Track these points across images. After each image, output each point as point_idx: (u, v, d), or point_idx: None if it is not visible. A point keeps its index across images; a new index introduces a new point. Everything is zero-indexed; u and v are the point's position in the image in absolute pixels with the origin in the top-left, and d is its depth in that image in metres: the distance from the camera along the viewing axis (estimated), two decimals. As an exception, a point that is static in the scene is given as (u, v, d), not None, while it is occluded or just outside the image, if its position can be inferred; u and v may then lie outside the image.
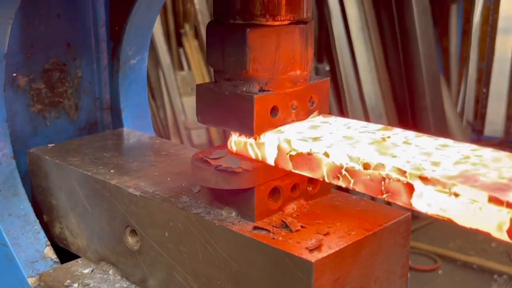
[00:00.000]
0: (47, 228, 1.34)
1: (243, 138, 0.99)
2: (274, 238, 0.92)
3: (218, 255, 0.97)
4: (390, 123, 4.79)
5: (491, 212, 0.71)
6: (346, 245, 0.90)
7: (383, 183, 0.82)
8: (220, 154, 1.00)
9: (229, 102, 0.97)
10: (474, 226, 0.74)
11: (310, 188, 1.05)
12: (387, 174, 0.81)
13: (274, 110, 0.97)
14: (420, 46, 4.62)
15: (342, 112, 4.60)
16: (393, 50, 4.78)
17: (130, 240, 1.14)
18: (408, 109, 4.82)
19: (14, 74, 1.41)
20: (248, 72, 0.95)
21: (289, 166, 0.93)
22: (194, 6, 4.51)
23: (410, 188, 0.79)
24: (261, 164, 0.96)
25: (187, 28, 4.61)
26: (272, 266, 0.90)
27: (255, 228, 0.94)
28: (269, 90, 0.96)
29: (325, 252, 0.88)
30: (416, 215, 4.71)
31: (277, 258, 0.89)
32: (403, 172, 0.79)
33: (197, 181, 1.00)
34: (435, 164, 0.80)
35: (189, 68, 4.62)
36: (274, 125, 0.97)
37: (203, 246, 0.99)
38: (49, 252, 1.27)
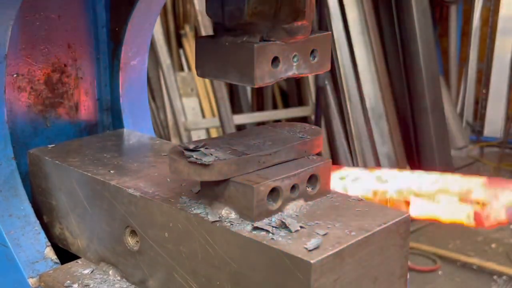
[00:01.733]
0: (47, 228, 1.34)
1: None
2: (273, 239, 0.92)
3: (217, 256, 0.97)
4: (390, 123, 4.79)
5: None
6: (345, 245, 0.90)
7: None
8: (197, 145, 1.00)
9: (229, 52, 0.95)
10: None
11: (309, 189, 1.05)
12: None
13: (275, 61, 0.95)
14: (420, 46, 4.62)
15: (342, 112, 4.60)
16: (393, 50, 4.78)
17: (130, 241, 1.14)
18: (408, 110, 4.82)
19: (15, 75, 1.41)
20: (248, 22, 0.93)
21: None
22: (194, 7, 4.51)
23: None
24: (235, 157, 0.96)
25: (187, 29, 4.62)
26: (271, 267, 0.90)
27: (255, 228, 0.95)
28: (270, 40, 0.95)
29: (324, 252, 0.88)
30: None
31: (276, 259, 0.89)
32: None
33: (171, 172, 1.00)
34: None
35: (189, 69, 4.62)
36: (275, 76, 0.95)
37: (202, 247, 0.99)
38: (50, 252, 1.27)
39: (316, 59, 1.01)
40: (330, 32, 1.04)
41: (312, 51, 1.01)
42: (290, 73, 0.98)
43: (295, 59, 0.98)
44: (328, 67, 1.04)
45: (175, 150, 1.00)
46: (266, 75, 0.94)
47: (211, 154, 0.96)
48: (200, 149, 0.98)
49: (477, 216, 0.85)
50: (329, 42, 1.03)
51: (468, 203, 0.87)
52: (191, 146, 0.99)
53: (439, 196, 0.90)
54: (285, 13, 0.95)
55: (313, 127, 1.13)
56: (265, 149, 1.02)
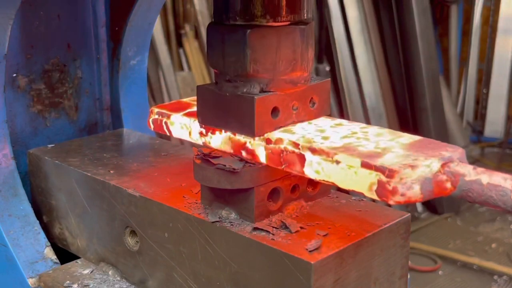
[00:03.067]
0: (47, 228, 1.34)
1: (159, 116, 1.15)
2: (273, 239, 0.92)
3: (217, 256, 0.97)
4: (390, 123, 4.79)
5: (364, 175, 0.84)
6: (346, 246, 0.90)
7: (281, 155, 0.93)
8: (220, 152, 1.00)
9: (230, 103, 0.97)
10: (351, 188, 0.86)
11: (310, 189, 1.05)
12: (284, 147, 0.93)
13: (275, 111, 0.97)
14: (420, 46, 4.61)
15: (342, 112, 4.60)
16: (393, 50, 4.78)
17: (130, 241, 1.14)
18: (408, 110, 4.82)
19: (14, 75, 1.41)
20: (248, 73, 0.95)
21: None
22: (194, 6, 4.51)
23: (301, 158, 0.91)
24: (261, 165, 0.96)
25: (187, 28, 4.61)
26: (272, 267, 0.90)
27: (255, 229, 0.94)
28: (270, 91, 0.96)
29: (324, 253, 0.88)
30: (416, 216, 4.72)
31: (277, 259, 0.89)
32: (297, 145, 0.92)
33: (198, 180, 1.00)
34: (325, 138, 0.94)
35: (189, 68, 4.61)
36: (275, 126, 0.97)
37: (202, 247, 0.99)
38: (49, 252, 1.27)
39: (315, 106, 1.02)
40: (329, 79, 1.05)
41: (311, 99, 1.02)
42: (289, 121, 0.99)
43: (294, 108, 0.99)
44: (328, 112, 1.05)
45: (200, 157, 0.99)
46: (266, 126, 0.96)
47: (239, 162, 0.96)
48: (224, 156, 0.98)
49: (381, 188, 0.82)
50: (329, 89, 1.05)
51: (373, 170, 0.83)
52: (207, 152, 0.99)
53: (341, 155, 0.86)
54: (285, 66, 0.96)
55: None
56: None
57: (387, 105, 4.78)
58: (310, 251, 0.88)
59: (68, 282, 1.17)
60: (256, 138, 0.97)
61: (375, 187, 0.83)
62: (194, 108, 1.14)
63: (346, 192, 1.00)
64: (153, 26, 1.58)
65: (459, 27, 6.20)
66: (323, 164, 0.88)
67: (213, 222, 0.97)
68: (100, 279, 1.18)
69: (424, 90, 4.67)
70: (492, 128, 6.02)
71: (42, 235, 1.28)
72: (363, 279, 0.94)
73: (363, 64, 4.66)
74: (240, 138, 0.99)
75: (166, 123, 1.15)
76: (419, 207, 4.80)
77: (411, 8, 4.60)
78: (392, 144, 0.91)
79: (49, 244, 1.28)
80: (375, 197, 0.84)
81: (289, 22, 0.96)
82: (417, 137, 0.94)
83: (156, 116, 1.17)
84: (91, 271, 1.21)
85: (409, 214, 1.02)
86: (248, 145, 0.98)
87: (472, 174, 0.81)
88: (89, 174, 1.21)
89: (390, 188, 0.82)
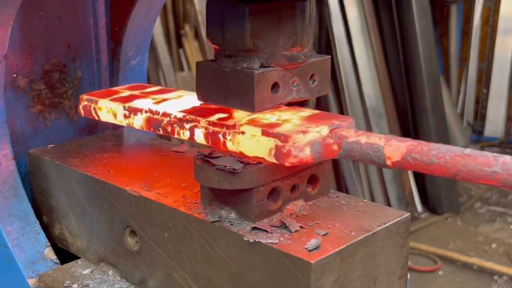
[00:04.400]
0: (47, 228, 1.34)
1: (88, 103, 1.25)
2: (273, 239, 0.92)
3: (217, 256, 0.97)
4: (390, 123, 4.79)
5: (264, 142, 0.94)
6: (345, 245, 0.90)
7: (205, 133, 1.05)
8: (220, 153, 1.00)
9: (230, 78, 0.97)
10: (256, 154, 0.96)
11: (309, 189, 1.05)
12: (205, 126, 1.05)
13: (275, 87, 0.97)
14: (420, 46, 4.61)
15: (342, 112, 4.60)
16: (393, 50, 4.78)
17: (130, 241, 1.14)
18: (408, 110, 4.81)
19: (14, 75, 1.41)
20: (248, 48, 0.94)
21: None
22: (194, 7, 4.51)
23: (216, 135, 1.02)
24: (262, 165, 0.96)
25: (187, 29, 4.61)
26: (271, 267, 0.90)
27: (254, 228, 0.95)
28: (270, 66, 0.96)
29: (324, 252, 0.88)
30: (416, 216, 4.71)
31: (276, 259, 0.89)
32: (214, 124, 1.04)
33: (199, 181, 1.00)
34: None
35: (189, 69, 4.61)
36: (274, 101, 0.97)
37: (202, 247, 0.99)
38: (49, 253, 1.27)
39: (315, 83, 1.02)
40: (329, 56, 1.06)
41: (312, 75, 1.02)
42: (290, 98, 0.99)
43: (294, 84, 0.99)
44: (327, 90, 1.06)
45: (200, 158, 1.00)
46: (266, 101, 0.96)
47: (239, 161, 0.96)
48: (224, 156, 0.98)
49: (278, 152, 0.92)
50: (329, 66, 1.05)
51: (271, 136, 0.93)
52: (207, 153, 0.99)
53: (245, 126, 0.97)
54: (285, 41, 0.96)
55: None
56: None
57: (387, 105, 4.78)
58: (309, 250, 0.88)
59: (68, 282, 1.17)
60: (175, 120, 1.09)
61: (273, 152, 0.93)
62: (121, 95, 1.27)
63: (346, 192, 1.00)
64: (153, 26, 1.58)
65: (459, 27, 6.20)
66: (233, 136, 0.99)
67: (212, 222, 0.97)
68: (100, 279, 1.18)
69: (424, 90, 4.66)
70: (492, 128, 6.02)
71: (42, 235, 1.28)
72: (363, 278, 0.94)
73: (363, 64, 4.66)
74: (158, 117, 1.13)
75: (94, 108, 1.26)
76: (419, 207, 4.80)
77: (411, 8, 4.60)
78: (292, 117, 1.00)
79: (49, 244, 1.28)
80: (274, 160, 0.94)
81: None
82: (317, 111, 1.04)
83: (86, 103, 1.27)
84: (91, 271, 1.21)
85: (409, 214, 1.02)
86: (164, 123, 1.10)
87: (353, 136, 0.93)
88: (89, 174, 1.21)
89: (285, 151, 0.92)
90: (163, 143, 1.40)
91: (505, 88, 5.92)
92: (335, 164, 4.40)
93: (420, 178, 4.83)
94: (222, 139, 1.02)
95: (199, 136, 1.06)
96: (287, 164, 0.92)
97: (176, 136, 1.11)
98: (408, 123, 4.84)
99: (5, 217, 1.26)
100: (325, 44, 4.53)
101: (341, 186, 4.45)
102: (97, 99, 1.25)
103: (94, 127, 1.57)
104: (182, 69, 4.64)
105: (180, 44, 4.67)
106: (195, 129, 1.06)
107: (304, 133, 0.93)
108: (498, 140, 5.96)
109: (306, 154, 0.92)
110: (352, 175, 4.48)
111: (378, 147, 0.89)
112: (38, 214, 1.33)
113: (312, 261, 0.85)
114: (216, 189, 0.99)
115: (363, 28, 4.66)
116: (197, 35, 4.62)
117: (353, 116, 4.60)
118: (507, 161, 0.78)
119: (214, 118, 1.04)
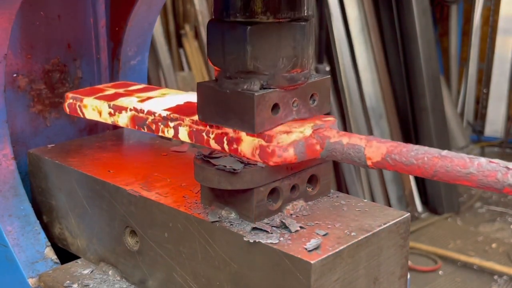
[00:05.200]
0: (47, 228, 1.34)
1: (73, 101, 1.28)
2: (273, 239, 0.92)
3: (217, 256, 0.97)
4: (390, 123, 4.79)
5: (248, 141, 0.98)
6: (345, 246, 0.90)
7: (189, 131, 1.09)
8: (220, 153, 1.00)
9: (230, 100, 0.97)
10: (239, 153, 0.99)
11: (309, 189, 1.05)
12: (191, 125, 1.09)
13: (275, 108, 0.97)
14: (420, 46, 4.62)
15: (342, 112, 4.60)
16: (393, 50, 4.78)
17: (130, 241, 1.14)
18: (408, 109, 4.82)
19: (15, 75, 1.41)
20: (249, 70, 0.95)
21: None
22: (194, 6, 4.51)
23: (200, 133, 1.07)
24: (262, 165, 0.97)
25: (187, 28, 4.61)
26: (271, 267, 0.90)
27: (254, 229, 0.95)
28: (270, 88, 0.96)
29: (324, 253, 0.88)
30: (416, 216, 4.71)
31: (276, 259, 0.89)
32: (198, 123, 1.08)
33: (199, 181, 1.00)
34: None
35: (189, 68, 4.61)
36: (275, 123, 0.97)
37: (202, 247, 0.99)
38: (50, 252, 1.27)
39: (315, 103, 1.03)
40: (329, 76, 1.06)
41: (312, 95, 1.02)
42: (290, 118, 1.00)
43: (294, 105, 1.00)
44: (328, 109, 1.06)
45: (200, 158, 1.00)
46: (266, 122, 0.96)
47: (239, 161, 0.96)
48: (224, 157, 0.98)
49: (262, 151, 0.95)
50: (329, 85, 1.06)
51: (255, 136, 0.96)
52: (215, 155, 1.00)
53: None
54: (285, 63, 0.97)
55: None
56: None
57: (387, 105, 4.78)
58: (309, 250, 0.88)
59: (68, 282, 1.17)
60: (159, 118, 1.13)
61: (257, 151, 0.96)
62: (106, 93, 1.29)
63: (346, 192, 1.00)
64: (153, 26, 1.58)
65: (459, 27, 6.20)
66: (216, 135, 1.03)
67: (213, 222, 0.97)
68: (100, 279, 1.18)
69: (424, 90, 4.67)
70: (492, 128, 6.02)
71: (42, 235, 1.29)
72: (363, 278, 0.94)
73: (363, 64, 4.66)
74: (143, 115, 1.16)
75: (79, 106, 1.28)
76: (419, 207, 4.80)
77: (411, 8, 4.60)
78: None
79: (49, 244, 1.28)
80: (258, 159, 0.96)
81: (289, 19, 0.96)
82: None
83: (71, 101, 1.30)
84: (91, 271, 1.21)
85: (409, 214, 1.02)
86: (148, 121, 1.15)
87: (335, 136, 0.95)
88: (89, 174, 1.21)
89: (269, 151, 0.95)
90: (163, 143, 1.40)
91: (505, 88, 5.92)
92: (335, 164, 4.41)
93: (420, 178, 4.83)
94: (205, 137, 1.05)
95: (183, 134, 1.09)
96: (271, 163, 0.95)
97: (160, 134, 1.15)
98: (408, 123, 4.84)
99: (5, 217, 1.26)
100: (325, 44, 4.53)
101: (341, 186, 4.45)
102: (82, 97, 1.28)
103: (94, 127, 1.57)
104: (182, 69, 4.64)
105: (180, 44, 4.67)
106: (179, 127, 1.10)
107: (287, 133, 0.95)
108: (498, 140, 5.96)
109: (290, 154, 0.95)
110: (352, 175, 4.48)
111: (359, 147, 0.91)
112: (38, 214, 1.33)
113: (312, 261, 0.85)
114: (216, 189, 0.99)
115: (363, 28, 4.66)
116: (197, 35, 4.62)
117: (353, 116, 4.60)
118: (482, 163, 0.81)
119: (197, 116, 1.06)
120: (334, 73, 4.58)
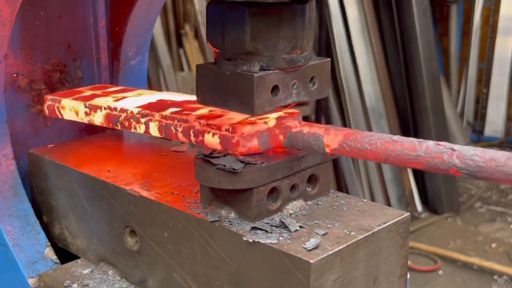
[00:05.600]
0: (47, 228, 1.34)
1: (52, 102, 1.31)
2: (272, 239, 0.92)
3: (217, 256, 0.97)
4: (390, 123, 4.79)
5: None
6: (345, 245, 0.90)
7: (164, 126, 1.13)
8: (220, 153, 1.00)
9: (229, 81, 0.96)
10: (206, 144, 1.04)
11: (309, 189, 1.05)
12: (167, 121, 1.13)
13: (274, 90, 0.97)
14: (420, 46, 4.62)
15: (342, 112, 4.61)
16: (393, 50, 4.78)
17: (130, 241, 1.14)
18: (408, 109, 4.82)
19: (15, 75, 1.41)
20: (248, 51, 0.94)
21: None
22: (194, 6, 4.51)
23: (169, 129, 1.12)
24: (262, 165, 0.97)
25: (187, 28, 4.62)
26: (271, 267, 0.90)
27: (254, 228, 0.95)
28: (269, 69, 0.96)
29: (323, 252, 0.88)
30: (416, 216, 4.71)
31: (276, 259, 0.89)
32: (172, 118, 1.12)
33: (199, 180, 1.00)
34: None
35: (189, 68, 4.62)
36: (274, 104, 0.97)
37: (202, 247, 0.99)
38: (50, 252, 1.28)
39: (315, 86, 1.02)
40: (329, 59, 1.06)
41: (312, 78, 1.02)
42: (289, 101, 0.99)
43: (294, 87, 0.99)
44: (327, 93, 1.06)
45: (200, 157, 1.00)
46: (265, 104, 0.96)
47: (239, 161, 0.96)
48: (224, 156, 0.99)
49: (227, 142, 0.98)
50: (328, 68, 1.05)
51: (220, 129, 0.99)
52: (207, 152, 1.00)
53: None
54: (284, 44, 0.96)
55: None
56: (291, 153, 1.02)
57: (387, 105, 4.78)
58: (309, 250, 0.88)
59: (68, 282, 1.17)
60: (131, 115, 1.17)
61: (223, 142, 1.00)
62: (83, 94, 1.34)
63: (346, 192, 1.01)
64: (153, 26, 1.58)
65: (459, 27, 6.20)
66: (184, 128, 1.08)
67: (212, 221, 0.97)
68: (100, 279, 1.18)
69: (424, 90, 4.67)
70: (492, 127, 6.02)
71: (42, 235, 1.29)
72: (362, 278, 0.94)
73: (363, 63, 4.66)
74: (116, 113, 1.20)
75: (58, 107, 1.32)
76: (419, 207, 4.80)
77: (411, 8, 4.60)
78: None
79: (49, 244, 1.29)
80: (224, 150, 1.00)
81: (289, 0, 0.94)
82: None
83: (50, 102, 1.33)
84: (91, 271, 1.21)
85: (409, 213, 1.02)
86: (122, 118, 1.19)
87: (297, 126, 0.99)
88: (89, 174, 1.21)
89: (234, 141, 0.99)
90: (163, 143, 1.40)
91: (505, 88, 5.92)
92: (335, 164, 4.41)
93: (420, 178, 4.83)
94: (174, 131, 1.10)
95: (154, 129, 1.14)
96: (237, 153, 0.99)
97: (132, 130, 1.19)
98: (408, 123, 4.84)
99: (5, 217, 1.26)
100: (325, 44, 4.53)
101: (341, 186, 4.45)
102: (60, 98, 1.32)
103: (94, 127, 1.57)
104: (182, 69, 4.65)
105: (180, 44, 4.67)
106: (150, 122, 1.14)
107: (252, 124, 1.00)
108: (498, 140, 5.97)
109: (254, 144, 0.99)
110: (352, 175, 4.48)
111: (318, 136, 0.95)
112: (38, 214, 1.33)
113: (311, 261, 0.85)
114: (216, 189, 0.99)
115: (363, 28, 4.66)
116: (197, 35, 4.62)
117: (353, 116, 4.60)
118: (430, 146, 0.84)
119: (167, 112, 1.13)
120: (334, 73, 4.58)
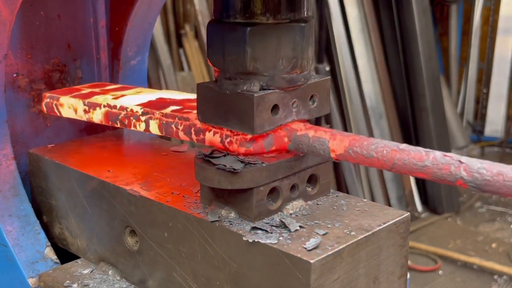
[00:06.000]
0: (47, 228, 1.34)
1: (50, 100, 1.31)
2: (272, 239, 0.92)
3: (217, 256, 0.97)
4: (390, 123, 4.79)
5: (211, 136, 1.04)
6: (345, 245, 0.90)
7: (163, 124, 1.13)
8: (220, 153, 1.00)
9: (230, 101, 0.97)
10: (208, 143, 1.04)
11: (309, 189, 1.05)
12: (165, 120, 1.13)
13: (274, 109, 0.97)
14: (420, 46, 4.62)
15: (342, 112, 4.60)
16: (393, 50, 4.78)
17: (130, 241, 1.14)
18: (408, 109, 4.82)
19: (15, 75, 1.41)
20: (248, 71, 0.95)
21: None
22: (194, 6, 4.51)
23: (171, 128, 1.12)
24: (262, 165, 0.97)
25: (187, 28, 4.61)
26: (271, 267, 0.90)
27: (254, 228, 0.95)
28: (269, 89, 0.97)
29: (323, 252, 0.88)
30: (416, 216, 4.71)
31: (276, 259, 0.89)
32: (173, 117, 1.13)
33: (200, 180, 1.00)
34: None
35: (189, 68, 4.62)
36: (275, 123, 0.97)
37: (202, 247, 0.99)
38: (50, 252, 1.28)
39: (315, 104, 1.03)
40: (329, 77, 1.07)
41: (311, 96, 1.02)
42: (289, 119, 1.00)
43: (294, 106, 1.00)
44: (328, 110, 1.07)
45: (200, 157, 1.00)
46: (266, 123, 0.96)
47: (240, 161, 0.96)
48: (225, 156, 0.99)
49: (227, 139, 1.00)
50: (328, 86, 1.06)
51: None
52: (208, 152, 1.00)
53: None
54: (285, 64, 0.97)
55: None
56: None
57: (387, 105, 4.78)
58: (309, 250, 0.88)
59: (68, 282, 1.17)
60: (131, 113, 1.17)
61: (226, 142, 1.00)
62: (82, 92, 1.34)
63: (346, 192, 1.01)
64: (153, 26, 1.58)
65: (459, 27, 6.20)
66: (185, 126, 1.09)
67: (212, 221, 0.97)
68: (100, 279, 1.18)
69: (424, 90, 4.67)
70: (492, 127, 6.02)
71: (42, 235, 1.29)
72: (362, 278, 0.95)
73: (363, 64, 4.66)
74: (115, 110, 1.20)
75: (56, 105, 1.32)
76: (419, 207, 4.80)
77: (411, 8, 4.60)
78: None
79: (49, 244, 1.29)
80: (227, 149, 1.01)
81: (289, 20, 0.96)
82: None
83: (48, 100, 1.33)
84: (91, 271, 1.21)
85: (408, 213, 1.02)
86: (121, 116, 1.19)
87: (303, 129, 0.98)
88: (89, 174, 1.21)
89: (236, 141, 0.99)
90: (163, 143, 1.40)
91: (505, 88, 5.92)
92: (335, 164, 4.41)
93: (420, 178, 4.82)
94: (175, 129, 1.10)
95: (154, 127, 1.14)
96: (240, 153, 0.99)
97: (132, 128, 1.18)
98: (408, 123, 4.84)
99: (5, 217, 1.26)
100: (325, 44, 4.53)
101: (341, 186, 4.45)
102: (59, 96, 1.32)
103: (94, 127, 1.58)
104: (182, 69, 4.64)
105: (180, 44, 4.67)
106: (150, 120, 1.14)
107: None
108: (498, 140, 5.97)
109: (258, 144, 0.99)
110: (352, 175, 4.48)
111: (323, 140, 0.94)
112: (38, 214, 1.33)
113: (312, 261, 0.85)
114: (216, 188, 1.00)
115: (363, 28, 4.66)
116: (197, 35, 4.62)
117: (353, 116, 4.60)
118: (436, 157, 0.83)
119: (167, 110, 1.13)
120: (334, 73, 4.58)
